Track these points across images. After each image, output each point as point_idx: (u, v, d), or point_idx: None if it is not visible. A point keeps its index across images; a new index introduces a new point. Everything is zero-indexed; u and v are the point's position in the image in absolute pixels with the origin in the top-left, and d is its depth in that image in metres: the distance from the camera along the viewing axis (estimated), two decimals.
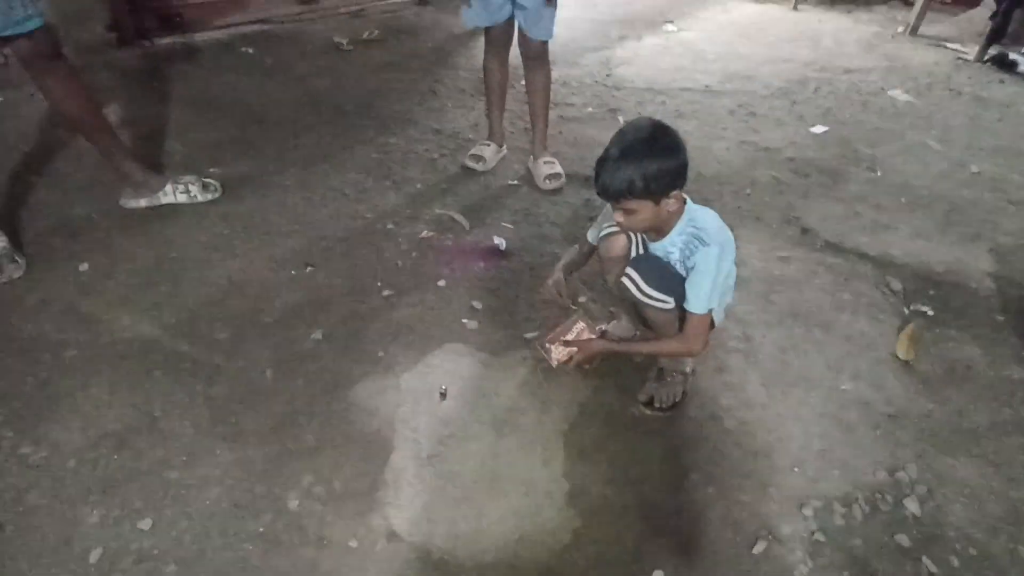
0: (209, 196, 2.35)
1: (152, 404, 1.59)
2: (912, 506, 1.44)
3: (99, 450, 1.47)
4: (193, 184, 2.34)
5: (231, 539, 1.32)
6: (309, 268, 2.07)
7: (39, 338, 1.75)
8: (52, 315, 1.83)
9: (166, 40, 3.68)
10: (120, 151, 2.23)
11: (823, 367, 1.81)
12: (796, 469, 1.52)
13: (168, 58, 3.54)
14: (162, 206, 2.29)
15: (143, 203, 2.28)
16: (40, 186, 2.39)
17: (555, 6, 2.29)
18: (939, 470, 1.53)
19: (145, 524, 1.33)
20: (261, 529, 1.34)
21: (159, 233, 2.18)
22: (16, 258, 1.96)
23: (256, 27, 3.99)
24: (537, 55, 2.41)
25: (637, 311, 1.60)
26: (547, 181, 2.55)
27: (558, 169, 2.59)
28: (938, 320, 2.00)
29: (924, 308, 2.04)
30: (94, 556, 1.27)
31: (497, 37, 2.43)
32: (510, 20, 2.34)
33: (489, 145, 2.70)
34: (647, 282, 1.47)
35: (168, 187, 2.30)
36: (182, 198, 2.31)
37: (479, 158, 2.66)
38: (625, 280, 1.50)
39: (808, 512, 1.42)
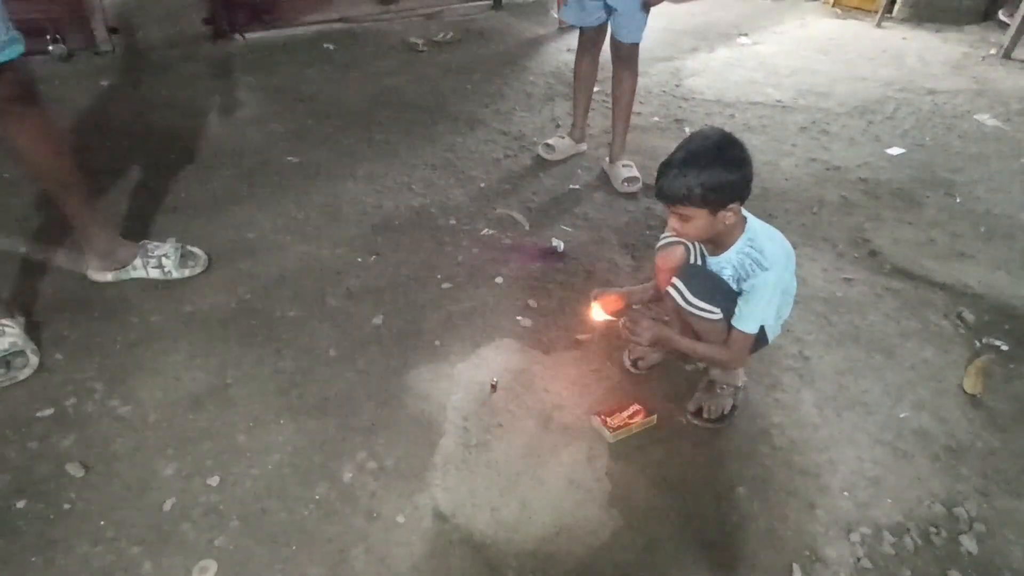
0: (187, 272, 1.99)
1: (225, 371, 1.71)
2: (969, 543, 1.39)
3: (176, 409, 1.59)
4: (168, 257, 1.97)
5: (289, 503, 1.40)
6: (374, 256, 2.17)
7: (128, 304, 1.91)
8: (140, 284, 1.98)
9: (255, 34, 3.90)
10: (90, 214, 1.88)
11: (882, 393, 1.76)
12: (846, 493, 1.49)
13: (256, 51, 3.75)
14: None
15: (109, 277, 1.94)
16: (132, 168, 2.58)
17: (647, 11, 2.37)
18: (1002, 509, 1.47)
19: (213, 481, 1.43)
20: (317, 497, 1.42)
21: (239, 214, 2.33)
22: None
23: (338, 25, 4.18)
24: (627, 57, 2.50)
25: (687, 323, 1.60)
26: (624, 184, 2.62)
27: (635, 173, 2.65)
28: (1013, 356, 1.90)
29: (998, 342, 1.95)
30: (167, 505, 1.38)
31: (589, 38, 2.56)
32: (603, 24, 2.46)
33: (564, 138, 2.80)
34: (692, 292, 1.47)
35: (138, 260, 1.96)
36: (154, 273, 1.96)
37: (551, 148, 2.76)
38: (671, 289, 1.51)
39: (855, 537, 1.39)
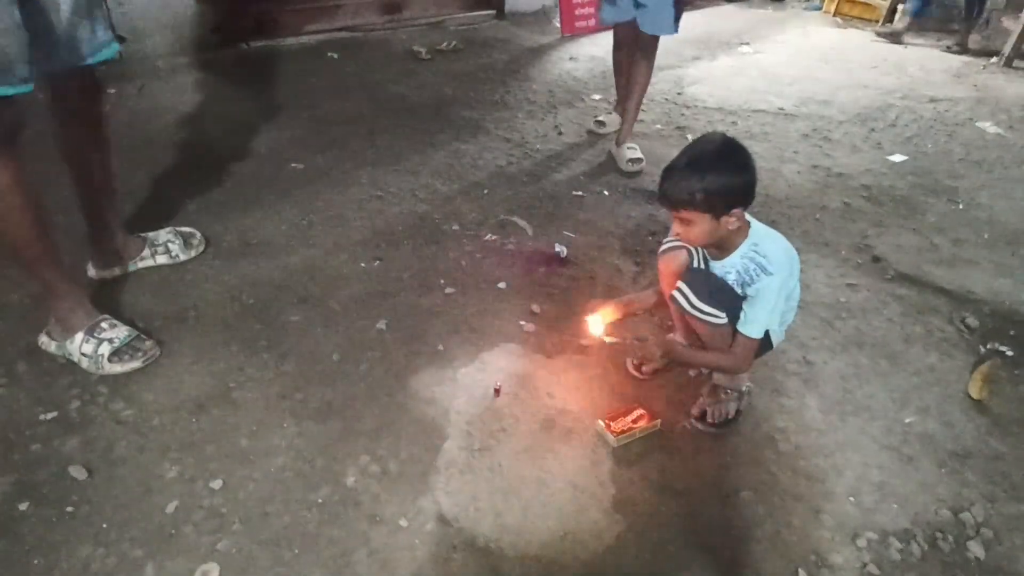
0: (192, 253, 2.07)
1: (228, 375, 1.71)
2: (976, 549, 1.38)
3: (180, 412, 1.59)
4: (173, 242, 2.03)
5: (292, 506, 1.40)
6: (378, 262, 2.17)
7: (134, 307, 1.91)
8: (146, 285, 1.99)
9: (261, 43, 3.93)
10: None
11: (887, 398, 1.75)
12: (852, 498, 1.48)
13: (262, 60, 3.78)
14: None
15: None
16: (137, 174, 2.57)
17: (672, 5, 2.50)
18: (1009, 515, 1.46)
19: (216, 484, 1.43)
20: (319, 500, 1.41)
21: (243, 219, 2.34)
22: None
23: (342, 34, 4.21)
24: (646, 47, 2.68)
25: (690, 327, 1.60)
26: (629, 164, 2.79)
27: (640, 154, 2.81)
28: (1017, 361, 1.90)
29: (1003, 348, 1.94)
30: (170, 508, 1.38)
31: (624, 33, 2.78)
32: (634, 20, 2.60)
33: (612, 114, 3.09)
34: (697, 296, 1.47)
35: (146, 251, 2.00)
36: (162, 259, 2.02)
37: (602, 123, 3.09)
38: (676, 293, 1.51)
39: (862, 543, 1.38)
